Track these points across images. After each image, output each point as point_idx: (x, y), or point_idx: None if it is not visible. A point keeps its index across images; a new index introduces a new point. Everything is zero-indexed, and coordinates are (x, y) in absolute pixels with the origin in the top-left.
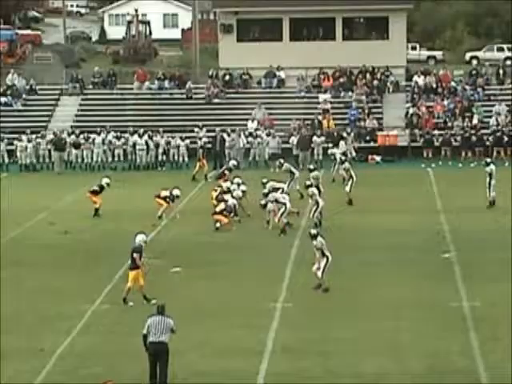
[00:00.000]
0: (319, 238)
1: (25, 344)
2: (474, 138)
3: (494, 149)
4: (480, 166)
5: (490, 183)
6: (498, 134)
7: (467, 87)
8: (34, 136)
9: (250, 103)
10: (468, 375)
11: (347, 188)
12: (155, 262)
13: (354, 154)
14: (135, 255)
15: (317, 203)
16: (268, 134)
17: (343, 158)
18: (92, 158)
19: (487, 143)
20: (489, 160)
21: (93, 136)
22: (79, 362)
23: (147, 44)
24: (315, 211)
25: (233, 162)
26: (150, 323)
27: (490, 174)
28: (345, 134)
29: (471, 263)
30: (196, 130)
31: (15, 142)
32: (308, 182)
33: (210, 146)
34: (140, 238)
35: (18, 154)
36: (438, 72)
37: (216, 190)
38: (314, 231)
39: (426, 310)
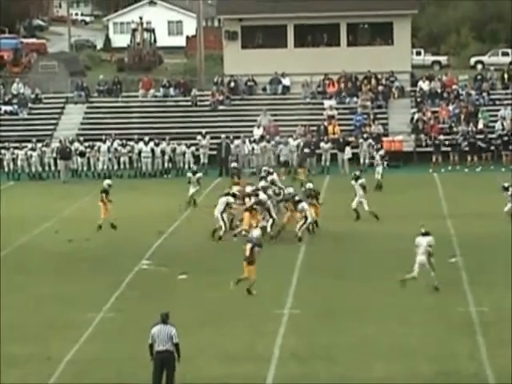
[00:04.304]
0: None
1: (32, 351)
2: (479, 143)
3: (502, 153)
4: (486, 171)
5: None
6: (506, 138)
7: (472, 92)
8: (39, 145)
9: (256, 110)
10: (476, 379)
11: (354, 204)
12: (162, 270)
13: (367, 160)
14: (257, 249)
15: (305, 218)
16: (280, 142)
17: (358, 173)
18: (98, 166)
19: (492, 148)
20: (506, 184)
21: (98, 144)
22: (86, 370)
23: (152, 52)
24: (302, 225)
25: (234, 165)
26: (153, 332)
27: None
28: (361, 140)
29: (478, 268)
30: (198, 137)
31: (16, 152)
32: (297, 198)
33: (215, 152)
34: (257, 233)
35: (19, 163)
36: (443, 77)
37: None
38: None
39: (433, 315)
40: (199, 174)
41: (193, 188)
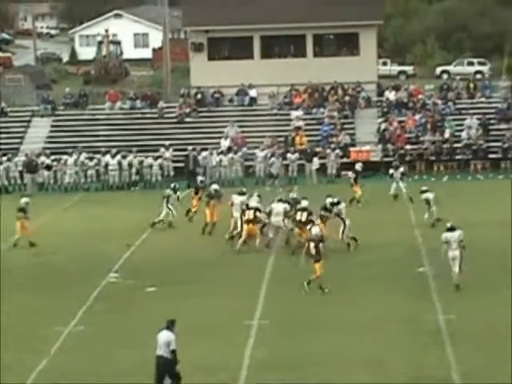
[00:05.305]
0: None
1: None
2: (446, 152)
3: (471, 162)
4: (453, 180)
5: (430, 210)
6: (475, 147)
7: (438, 101)
8: (4, 158)
9: (223, 121)
10: None
11: (341, 235)
12: (130, 282)
13: (334, 171)
14: (321, 245)
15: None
16: (272, 155)
17: (335, 200)
18: (64, 180)
19: (459, 157)
20: (424, 188)
21: (65, 157)
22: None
23: (118, 64)
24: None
25: (200, 179)
26: (157, 337)
27: (428, 201)
28: (328, 151)
29: (446, 277)
30: (162, 150)
31: None
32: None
33: (181, 164)
34: (316, 230)
35: None
36: (409, 87)
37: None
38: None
39: (402, 324)
40: (178, 193)
41: (172, 208)
